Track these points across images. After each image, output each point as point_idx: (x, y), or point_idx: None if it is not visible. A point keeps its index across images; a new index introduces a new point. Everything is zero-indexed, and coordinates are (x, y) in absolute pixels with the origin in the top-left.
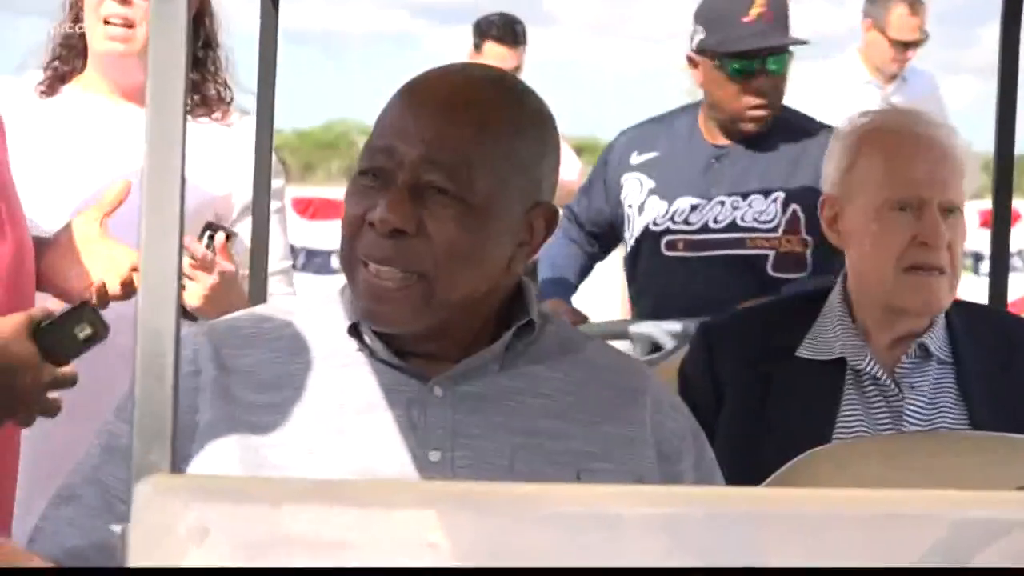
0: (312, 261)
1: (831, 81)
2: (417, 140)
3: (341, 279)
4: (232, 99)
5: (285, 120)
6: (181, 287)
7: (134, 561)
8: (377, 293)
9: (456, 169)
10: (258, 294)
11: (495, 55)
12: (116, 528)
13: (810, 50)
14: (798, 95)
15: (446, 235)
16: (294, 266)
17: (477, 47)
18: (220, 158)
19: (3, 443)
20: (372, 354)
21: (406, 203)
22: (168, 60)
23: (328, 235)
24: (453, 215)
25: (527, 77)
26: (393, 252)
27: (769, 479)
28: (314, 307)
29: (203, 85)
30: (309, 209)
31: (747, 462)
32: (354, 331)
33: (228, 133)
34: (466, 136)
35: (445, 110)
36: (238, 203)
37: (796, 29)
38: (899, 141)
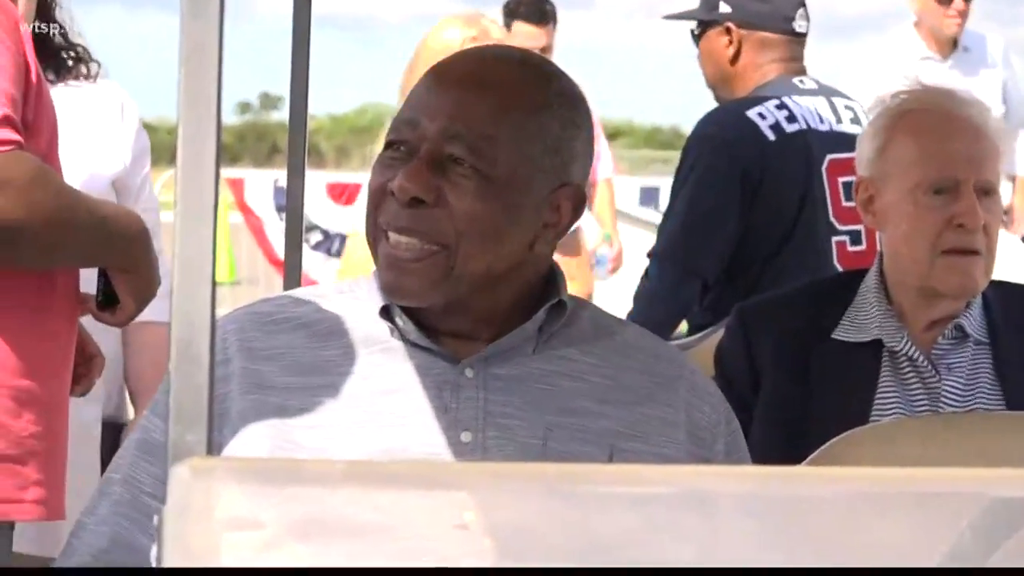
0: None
1: (888, 60)
2: (440, 113)
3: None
4: (88, 56)
5: (319, 105)
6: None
7: (170, 544)
8: (396, 264)
9: (477, 142)
10: (293, 276)
11: (524, 34)
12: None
13: (865, 23)
14: (854, 75)
15: (465, 206)
16: (329, 251)
17: (507, 27)
18: (100, 126)
19: (55, 417)
20: (403, 336)
21: (425, 172)
22: (201, 44)
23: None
24: (472, 187)
25: (560, 59)
26: (412, 221)
27: (807, 460)
28: (345, 290)
29: (53, 42)
30: (344, 194)
31: (784, 444)
32: (385, 313)
33: (97, 95)
34: (489, 111)
35: (469, 86)
36: (134, 176)
37: (846, 6)
38: (933, 121)
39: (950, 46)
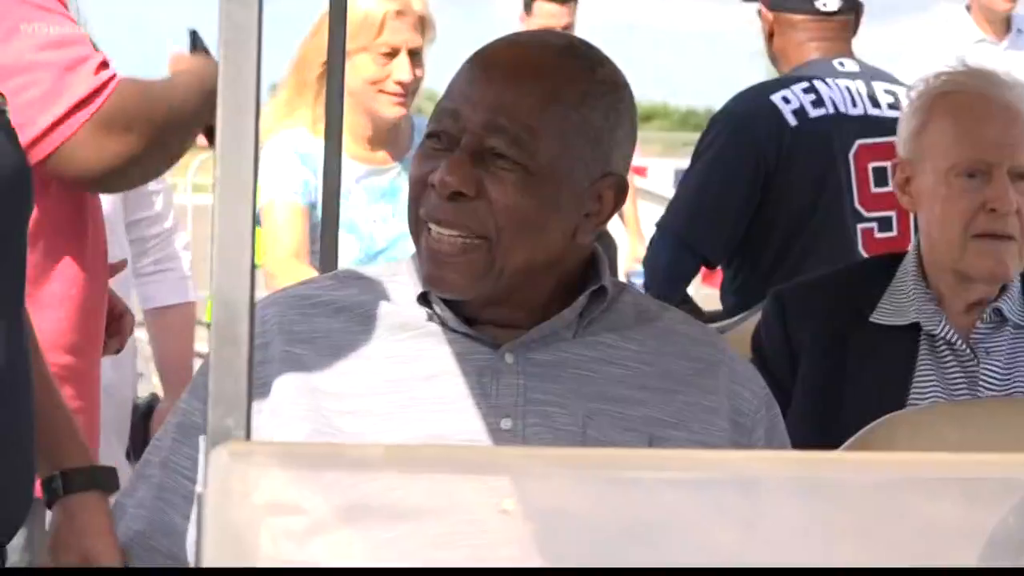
0: None
1: (936, 43)
2: (482, 105)
3: (409, 246)
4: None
5: None
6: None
7: (209, 528)
8: (438, 257)
9: (519, 135)
10: (329, 258)
11: (545, 13)
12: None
13: (901, 5)
14: (907, 59)
15: (506, 199)
16: None
17: (528, 8)
18: None
19: (92, 390)
20: (442, 322)
21: (466, 165)
22: (241, 25)
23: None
24: (514, 180)
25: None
26: (453, 215)
27: (845, 444)
28: (384, 274)
29: None
30: None
31: (822, 428)
32: (424, 300)
33: None
34: (531, 102)
35: (512, 76)
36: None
37: None
38: (969, 104)
39: (1004, 28)
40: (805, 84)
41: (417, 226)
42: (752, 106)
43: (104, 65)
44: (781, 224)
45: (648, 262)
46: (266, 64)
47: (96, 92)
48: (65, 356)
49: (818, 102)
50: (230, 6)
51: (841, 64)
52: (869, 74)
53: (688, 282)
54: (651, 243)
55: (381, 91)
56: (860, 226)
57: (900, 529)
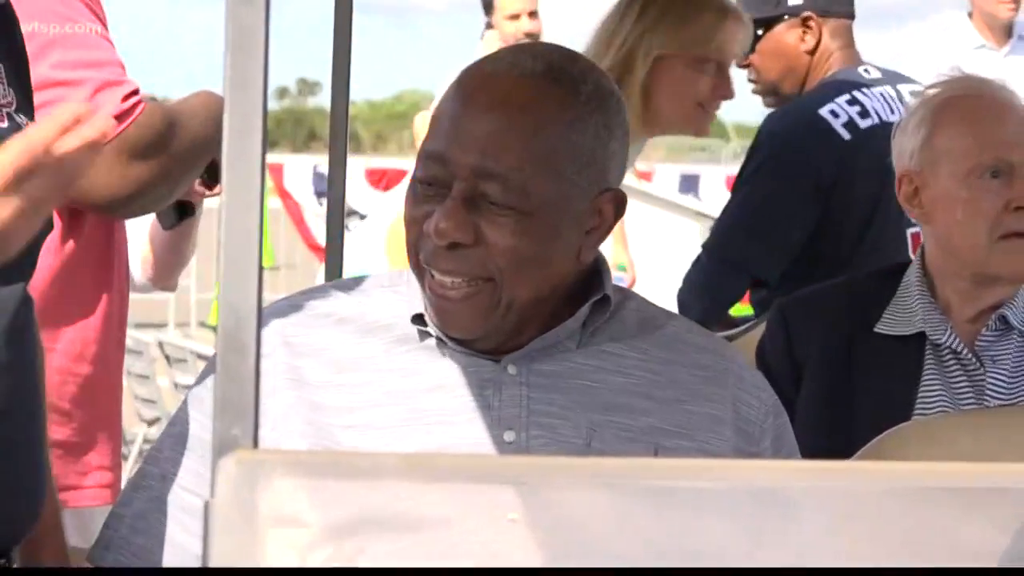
0: None
1: (936, 48)
2: (471, 148)
3: None
4: None
5: (357, 91)
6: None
7: (216, 537)
8: (444, 304)
9: (509, 178)
10: (334, 265)
11: (508, 5)
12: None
13: (906, 11)
14: (908, 65)
15: (505, 243)
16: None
17: (487, 9)
18: None
19: (114, 399)
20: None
21: (461, 213)
22: (249, 28)
23: (401, 206)
24: (510, 224)
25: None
26: (454, 263)
27: (857, 454)
28: (385, 286)
29: None
30: (383, 180)
31: (828, 439)
32: (419, 319)
33: None
34: (520, 142)
35: (498, 115)
36: None
37: None
38: (981, 106)
39: (1005, 34)
40: (847, 96)
41: (419, 269)
42: (803, 123)
43: (134, 93)
44: (843, 238)
45: (694, 284)
46: (273, 67)
47: (121, 116)
48: (88, 367)
49: (864, 112)
50: (237, 8)
51: (866, 71)
52: (891, 78)
53: (733, 301)
54: (696, 264)
55: None
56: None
57: (917, 542)
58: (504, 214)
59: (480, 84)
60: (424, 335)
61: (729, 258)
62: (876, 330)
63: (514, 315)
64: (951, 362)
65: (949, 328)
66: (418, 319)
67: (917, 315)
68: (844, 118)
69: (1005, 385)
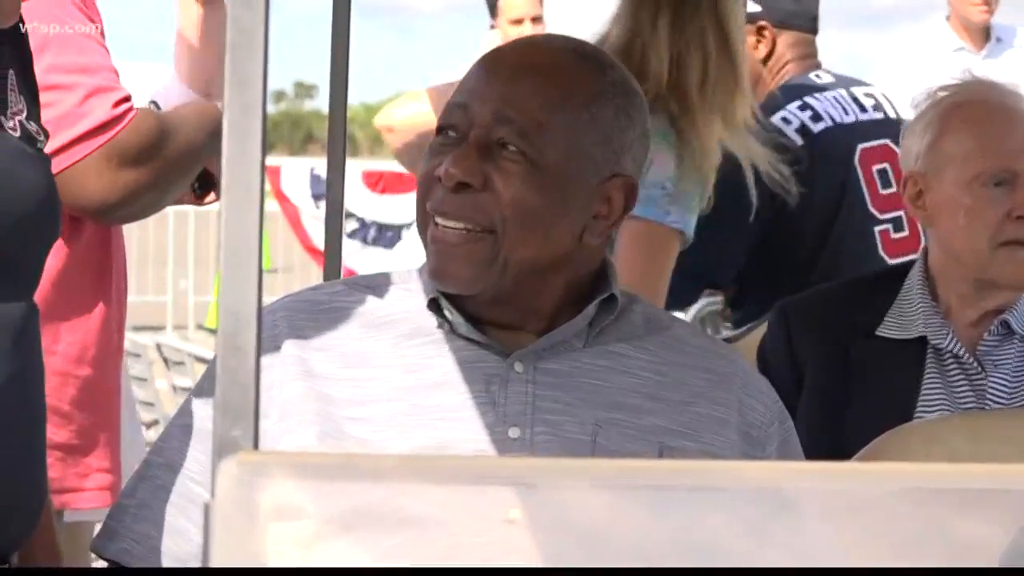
0: (383, 235)
1: (922, 51)
2: (491, 98)
3: (411, 253)
4: None
5: (354, 94)
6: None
7: (217, 539)
8: (442, 249)
9: (526, 127)
10: (333, 267)
11: (513, 6)
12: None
13: (900, 13)
14: (887, 68)
15: (512, 192)
16: (364, 239)
17: (492, 10)
18: None
19: (114, 402)
20: (452, 329)
21: (472, 157)
22: (248, 31)
23: (398, 209)
24: (520, 172)
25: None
26: (458, 206)
27: (858, 454)
28: (394, 281)
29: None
30: (379, 183)
31: (828, 442)
32: (434, 306)
33: None
34: (539, 98)
35: (521, 72)
36: None
37: None
38: (987, 113)
39: (983, 37)
40: (798, 102)
41: (424, 220)
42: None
43: (126, 99)
44: (804, 237)
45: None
46: (272, 68)
47: (112, 122)
48: (88, 369)
49: (816, 116)
50: (236, 10)
51: (818, 76)
52: (844, 82)
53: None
54: None
55: None
56: (877, 228)
57: (920, 540)
58: (515, 159)
59: (507, 49)
60: (439, 324)
61: (680, 265)
62: (877, 333)
63: (510, 276)
64: (952, 366)
65: (951, 332)
66: (433, 305)
67: (918, 319)
68: (796, 124)
69: (1006, 390)
